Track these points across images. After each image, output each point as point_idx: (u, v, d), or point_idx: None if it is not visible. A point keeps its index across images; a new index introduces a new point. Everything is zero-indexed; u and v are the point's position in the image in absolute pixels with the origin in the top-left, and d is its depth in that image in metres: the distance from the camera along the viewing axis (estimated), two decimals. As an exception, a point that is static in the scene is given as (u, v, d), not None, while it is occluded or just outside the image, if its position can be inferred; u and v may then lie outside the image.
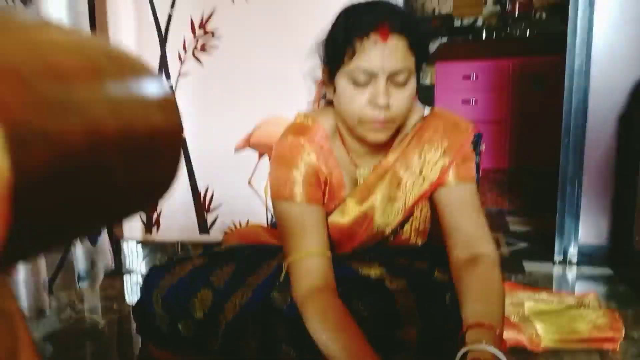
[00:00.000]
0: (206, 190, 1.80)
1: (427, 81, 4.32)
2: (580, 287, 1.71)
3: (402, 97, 0.96)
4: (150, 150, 0.26)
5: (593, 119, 1.79)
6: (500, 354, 0.82)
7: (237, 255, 1.19)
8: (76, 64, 0.23)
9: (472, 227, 1.04)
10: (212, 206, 1.81)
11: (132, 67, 0.27)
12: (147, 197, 0.28)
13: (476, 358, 0.82)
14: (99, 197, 0.23)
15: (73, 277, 1.56)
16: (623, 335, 1.26)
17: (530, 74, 3.70)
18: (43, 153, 0.19)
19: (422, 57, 0.99)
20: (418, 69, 0.99)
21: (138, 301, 1.19)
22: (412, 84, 0.97)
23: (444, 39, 4.24)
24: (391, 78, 0.94)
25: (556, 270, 1.84)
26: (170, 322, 1.10)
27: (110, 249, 1.67)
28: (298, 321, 1.03)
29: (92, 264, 1.58)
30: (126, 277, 1.77)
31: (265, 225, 1.42)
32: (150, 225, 1.83)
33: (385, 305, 1.02)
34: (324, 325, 0.95)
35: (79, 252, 1.55)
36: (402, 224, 1.14)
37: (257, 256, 1.17)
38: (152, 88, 0.27)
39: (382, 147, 1.10)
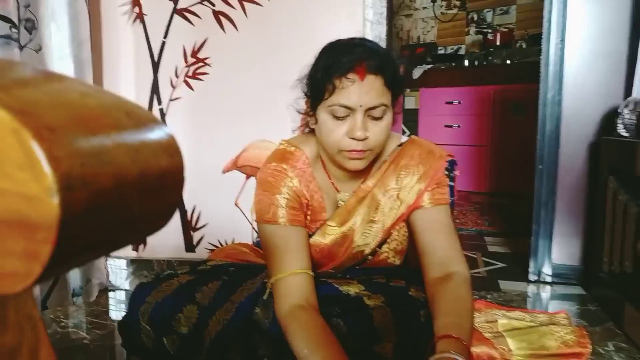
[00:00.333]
0: (193, 210, 1.85)
1: (412, 104, 4.44)
2: (553, 306, 1.78)
3: (378, 130, 1.04)
4: (160, 187, 0.32)
5: (565, 147, 1.88)
6: None
7: (222, 273, 1.24)
8: (101, 120, 0.29)
9: (445, 247, 1.10)
10: (198, 225, 1.86)
11: (144, 119, 0.33)
12: (155, 224, 0.34)
13: None
14: (119, 227, 0.29)
15: (67, 294, 1.59)
16: (590, 351, 1.33)
17: (511, 101, 3.83)
18: (82, 195, 0.25)
19: (397, 92, 1.07)
20: (394, 102, 1.07)
21: (124, 317, 1.23)
22: (388, 117, 1.05)
23: (428, 66, 4.38)
24: (368, 112, 1.02)
25: (530, 289, 1.91)
26: (156, 338, 1.14)
27: (106, 266, 1.71)
28: (280, 337, 1.08)
29: (86, 280, 1.61)
30: (112, 294, 1.80)
31: (250, 244, 1.47)
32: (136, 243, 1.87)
33: (363, 322, 1.08)
34: (305, 341, 1.00)
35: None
36: (380, 245, 1.21)
37: (241, 274, 1.22)
38: (159, 136, 0.33)
39: (362, 173, 1.17)
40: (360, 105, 1.01)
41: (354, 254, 1.19)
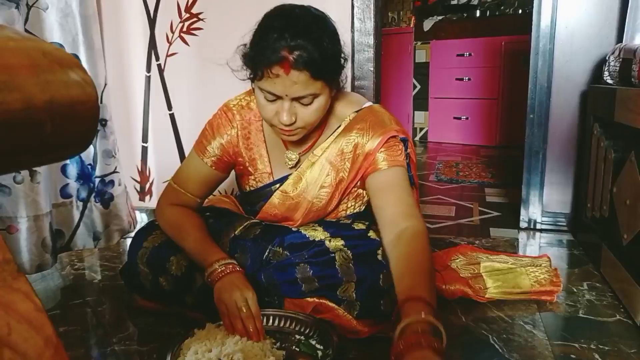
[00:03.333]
0: (194, 162, 1.94)
1: (423, 58, 4.41)
2: (537, 251, 1.84)
3: (307, 113, 1.06)
4: (71, 112, 0.40)
5: (557, 96, 1.90)
6: (437, 323, 0.82)
7: (210, 224, 1.29)
8: (19, 61, 0.37)
9: (395, 205, 1.10)
10: (199, 176, 1.95)
11: (60, 60, 0.41)
12: (71, 146, 0.43)
13: (415, 330, 0.81)
14: (35, 141, 0.38)
15: (89, 237, 1.73)
16: (561, 289, 1.40)
17: (521, 52, 3.77)
18: (-6, 112, 0.34)
19: (331, 77, 1.07)
20: (330, 84, 1.07)
21: (126, 262, 1.34)
22: (319, 101, 1.06)
23: (439, 17, 4.30)
24: (296, 99, 1.04)
25: (520, 236, 1.97)
26: (153, 278, 1.26)
27: (131, 214, 1.83)
28: (256, 280, 1.18)
29: (105, 226, 1.75)
30: (122, 241, 1.94)
31: (232, 196, 1.54)
32: (143, 193, 1.99)
33: (326, 265, 1.15)
34: (168, 217, 1.24)
35: (95, 214, 1.72)
36: (338, 205, 1.26)
37: (218, 225, 1.29)
38: (73, 73, 0.41)
39: (312, 134, 1.19)
40: (287, 95, 1.03)
41: (315, 212, 1.25)
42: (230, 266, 1.11)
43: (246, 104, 1.25)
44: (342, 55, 1.09)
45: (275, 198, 1.25)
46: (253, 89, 1.11)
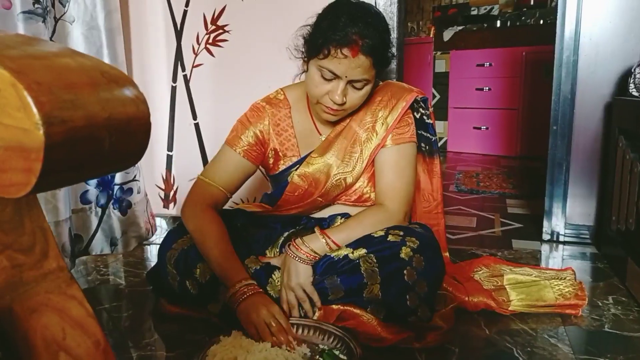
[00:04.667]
0: (218, 171, 1.97)
1: (443, 68, 4.40)
2: (561, 264, 1.82)
3: (356, 97, 1.19)
4: (127, 129, 0.42)
5: (580, 108, 1.89)
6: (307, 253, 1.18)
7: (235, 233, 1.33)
8: (81, 80, 0.40)
9: (386, 182, 1.28)
10: (222, 185, 1.98)
11: (117, 79, 0.43)
12: (125, 161, 0.45)
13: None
14: (94, 156, 0.40)
15: (106, 243, 1.77)
16: (586, 303, 1.38)
17: (542, 62, 3.75)
18: (60, 128, 0.36)
19: (383, 69, 1.21)
20: (378, 74, 1.20)
21: (155, 263, 1.38)
22: (367, 88, 1.19)
23: (459, 28, 4.30)
24: (350, 82, 1.15)
25: (542, 248, 1.96)
26: (181, 279, 1.28)
27: (150, 222, 1.86)
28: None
29: (123, 232, 1.78)
30: (148, 247, 1.97)
31: (257, 203, 1.58)
32: (167, 201, 2.03)
33: (353, 271, 1.18)
34: (194, 222, 1.25)
35: (113, 221, 1.76)
36: (360, 175, 1.33)
37: (262, 237, 1.35)
38: (127, 90, 0.43)
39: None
40: (346, 76, 1.14)
41: (337, 182, 1.31)
42: (252, 287, 1.15)
43: (273, 97, 1.35)
44: (391, 51, 1.22)
45: (307, 162, 1.31)
46: (307, 67, 1.20)
